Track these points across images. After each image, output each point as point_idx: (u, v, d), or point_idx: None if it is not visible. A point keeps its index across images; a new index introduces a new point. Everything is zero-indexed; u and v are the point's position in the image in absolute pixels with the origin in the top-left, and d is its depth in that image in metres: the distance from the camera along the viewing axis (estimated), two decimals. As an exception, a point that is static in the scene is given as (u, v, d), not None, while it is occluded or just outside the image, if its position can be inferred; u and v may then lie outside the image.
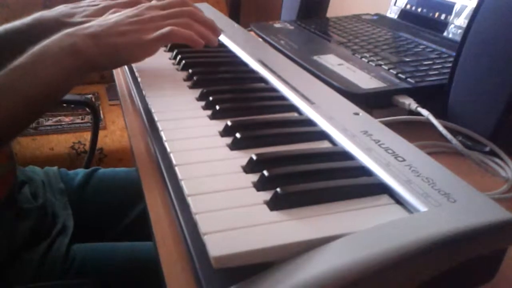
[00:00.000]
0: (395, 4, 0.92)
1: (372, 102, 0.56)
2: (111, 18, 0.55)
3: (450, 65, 0.56)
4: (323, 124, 0.43)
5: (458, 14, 0.76)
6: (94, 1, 0.72)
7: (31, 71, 0.49)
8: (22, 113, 0.50)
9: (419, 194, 0.32)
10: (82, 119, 1.57)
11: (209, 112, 0.47)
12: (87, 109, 1.17)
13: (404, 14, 0.90)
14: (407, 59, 0.67)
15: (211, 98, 0.49)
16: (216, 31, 0.58)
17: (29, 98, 0.49)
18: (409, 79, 0.59)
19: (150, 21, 0.54)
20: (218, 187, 0.34)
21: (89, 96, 1.70)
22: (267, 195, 0.33)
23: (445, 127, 0.51)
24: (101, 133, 1.33)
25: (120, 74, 0.71)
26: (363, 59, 0.68)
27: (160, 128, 0.44)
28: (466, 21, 0.56)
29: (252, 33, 0.84)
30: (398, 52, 0.70)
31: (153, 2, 0.59)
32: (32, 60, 0.49)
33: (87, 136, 1.45)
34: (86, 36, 0.51)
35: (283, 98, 0.50)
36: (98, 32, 0.52)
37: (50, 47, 0.50)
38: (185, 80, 0.57)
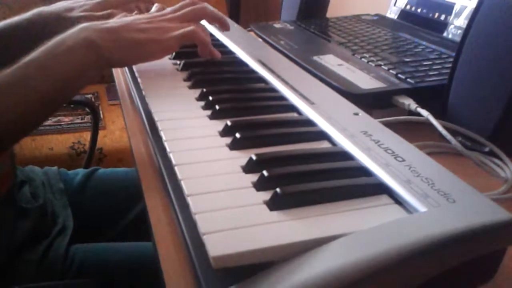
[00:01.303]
0: (395, 5, 0.92)
1: (372, 103, 0.56)
2: (127, 18, 0.55)
3: (449, 65, 0.56)
4: (323, 124, 0.43)
5: (458, 15, 0.76)
6: None
7: (45, 66, 0.48)
8: (35, 108, 0.49)
9: (418, 194, 0.32)
10: (81, 119, 1.57)
11: (208, 112, 0.47)
12: (87, 109, 1.17)
13: (404, 14, 0.90)
14: (407, 60, 0.67)
15: (210, 98, 0.49)
16: (226, 26, 0.64)
17: (43, 93, 0.48)
18: (408, 80, 0.59)
19: (167, 21, 0.56)
20: (218, 187, 0.34)
21: (89, 96, 1.70)
22: (266, 195, 0.33)
23: (445, 127, 0.51)
24: (100, 133, 1.33)
25: (120, 74, 0.71)
26: (363, 59, 0.68)
27: (159, 128, 0.44)
28: (466, 22, 0.56)
29: (252, 33, 0.84)
30: (398, 53, 0.70)
31: (165, 10, 0.60)
32: (46, 54, 0.49)
33: (86, 136, 1.45)
34: (103, 30, 0.51)
35: (282, 98, 0.50)
36: (116, 27, 0.52)
37: (65, 41, 0.50)
38: (185, 80, 0.57)
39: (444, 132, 0.50)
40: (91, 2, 0.69)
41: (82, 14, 0.66)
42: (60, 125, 1.53)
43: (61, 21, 0.66)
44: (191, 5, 0.59)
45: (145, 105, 0.50)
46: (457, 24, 0.76)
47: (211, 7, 0.61)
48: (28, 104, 0.48)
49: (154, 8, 0.65)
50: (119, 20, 0.54)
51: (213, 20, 0.64)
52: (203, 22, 0.68)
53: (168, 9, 0.60)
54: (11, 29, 0.67)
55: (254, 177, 0.35)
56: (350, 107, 0.46)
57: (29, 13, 0.68)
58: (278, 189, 0.32)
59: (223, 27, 0.65)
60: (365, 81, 0.59)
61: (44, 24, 0.67)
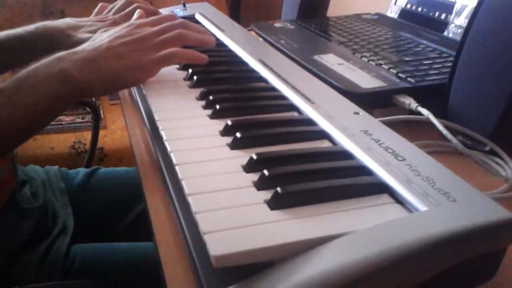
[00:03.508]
0: (395, 4, 0.92)
1: (372, 102, 0.56)
2: (102, 39, 0.52)
3: (450, 64, 0.56)
4: (323, 124, 0.43)
5: (458, 14, 0.76)
6: (103, 18, 0.71)
7: (13, 99, 0.46)
8: (3, 137, 0.47)
9: (419, 194, 0.32)
10: (82, 119, 1.57)
11: (209, 111, 0.47)
12: (88, 108, 1.17)
13: (404, 13, 0.90)
14: (407, 59, 0.67)
15: (211, 98, 0.49)
16: (208, 35, 0.58)
17: (8, 127, 0.47)
18: (409, 79, 0.59)
19: (145, 40, 0.52)
20: (219, 186, 0.34)
21: (90, 95, 1.70)
22: (267, 194, 0.33)
23: (445, 126, 0.51)
24: (101, 133, 1.33)
25: (121, 74, 0.71)
26: (363, 58, 0.68)
27: (160, 128, 0.44)
28: (467, 21, 0.56)
29: (252, 32, 0.84)
30: (398, 52, 0.70)
31: (142, 20, 0.57)
32: (16, 86, 0.47)
33: (87, 135, 1.45)
34: (80, 62, 0.48)
35: (283, 97, 0.50)
36: (93, 56, 0.49)
37: (37, 73, 0.47)
38: (185, 79, 0.57)
39: (444, 131, 0.50)
40: (99, 24, 0.68)
41: (89, 35, 0.64)
42: (61, 124, 1.53)
43: (65, 38, 0.65)
44: (169, 20, 0.56)
45: (146, 105, 0.51)
46: (457, 23, 0.76)
47: (190, 23, 0.56)
48: None
49: (136, 15, 0.63)
50: (93, 46, 0.51)
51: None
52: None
53: (148, 20, 0.56)
54: (13, 40, 0.67)
55: (254, 176, 0.35)
56: (351, 106, 0.46)
57: (33, 26, 0.67)
58: (278, 189, 0.32)
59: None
60: (366, 80, 0.59)
61: (47, 38, 0.66)
